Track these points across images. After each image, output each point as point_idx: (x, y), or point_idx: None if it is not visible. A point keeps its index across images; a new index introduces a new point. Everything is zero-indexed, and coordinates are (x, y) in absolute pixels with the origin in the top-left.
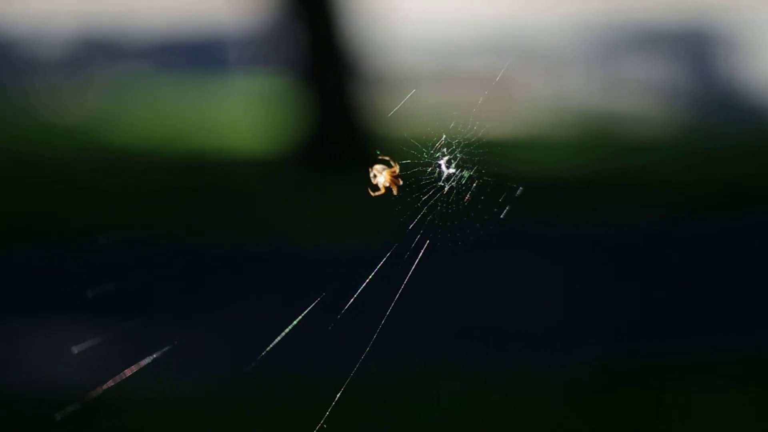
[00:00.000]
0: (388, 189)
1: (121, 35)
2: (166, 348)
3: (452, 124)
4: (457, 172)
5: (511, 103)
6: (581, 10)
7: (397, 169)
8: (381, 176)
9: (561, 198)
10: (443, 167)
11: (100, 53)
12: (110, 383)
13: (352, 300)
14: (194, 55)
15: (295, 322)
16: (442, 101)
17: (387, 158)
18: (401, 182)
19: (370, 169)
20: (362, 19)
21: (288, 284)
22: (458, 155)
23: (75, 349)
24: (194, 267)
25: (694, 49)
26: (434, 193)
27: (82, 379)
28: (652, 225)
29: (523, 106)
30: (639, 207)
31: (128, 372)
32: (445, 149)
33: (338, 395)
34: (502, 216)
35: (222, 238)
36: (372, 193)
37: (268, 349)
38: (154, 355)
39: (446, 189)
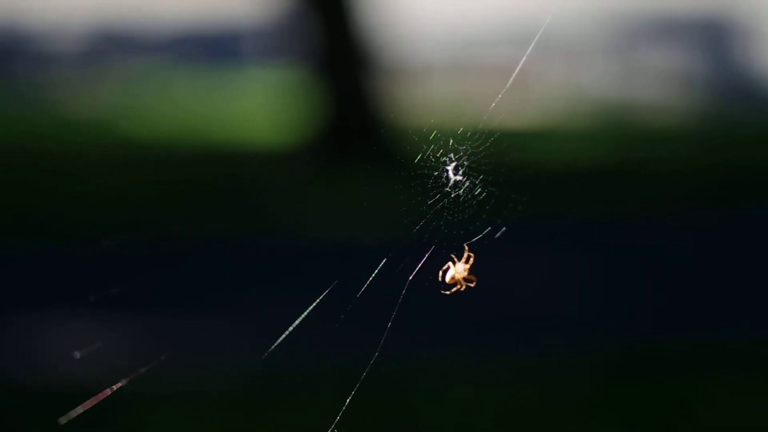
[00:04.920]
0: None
1: (137, 28)
2: (171, 345)
3: (460, 129)
4: (463, 180)
5: (528, 94)
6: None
7: (471, 261)
8: (455, 271)
9: (579, 187)
10: (450, 174)
11: (116, 46)
12: (123, 383)
13: (364, 291)
14: (210, 48)
15: (305, 313)
16: (459, 92)
17: (465, 255)
18: (474, 281)
19: (449, 274)
20: (378, 10)
21: (304, 275)
22: (465, 162)
23: (77, 354)
24: (211, 258)
25: (711, 38)
26: (441, 195)
27: (100, 368)
28: (670, 214)
29: (541, 96)
30: (657, 195)
31: (142, 369)
32: (452, 154)
33: (356, 387)
34: (497, 235)
35: (238, 229)
36: (448, 292)
37: (280, 340)
38: (167, 352)
39: (453, 195)
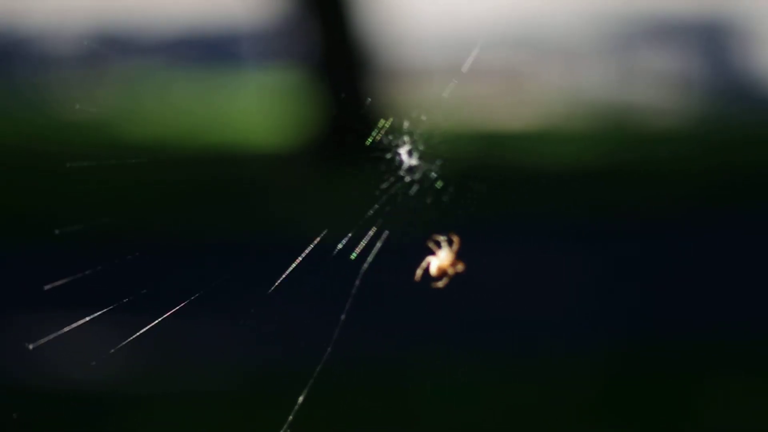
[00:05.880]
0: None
1: (135, 30)
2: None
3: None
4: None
5: (524, 95)
6: (596, 0)
7: (456, 245)
8: (438, 260)
9: (579, 187)
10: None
11: (113, 48)
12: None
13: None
14: (208, 50)
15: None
16: (456, 94)
17: (444, 237)
18: (462, 267)
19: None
20: (376, 12)
21: (302, 276)
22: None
23: (30, 346)
24: (211, 258)
25: (709, 39)
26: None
27: (100, 368)
28: (668, 215)
29: (538, 98)
30: (657, 196)
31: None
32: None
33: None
34: (471, 210)
35: (238, 229)
36: (438, 284)
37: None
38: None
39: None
